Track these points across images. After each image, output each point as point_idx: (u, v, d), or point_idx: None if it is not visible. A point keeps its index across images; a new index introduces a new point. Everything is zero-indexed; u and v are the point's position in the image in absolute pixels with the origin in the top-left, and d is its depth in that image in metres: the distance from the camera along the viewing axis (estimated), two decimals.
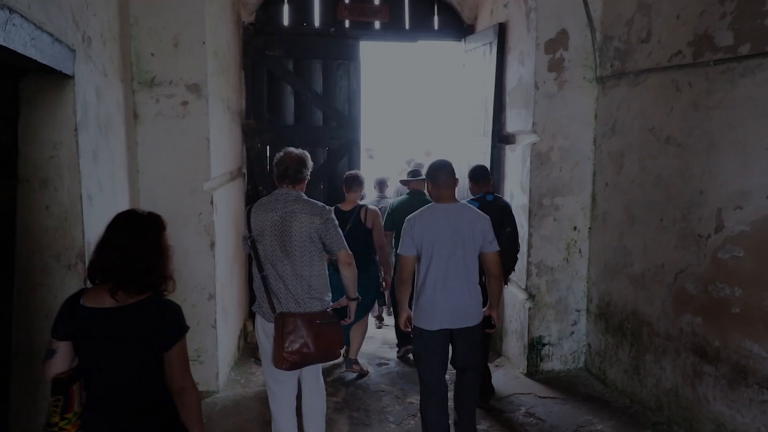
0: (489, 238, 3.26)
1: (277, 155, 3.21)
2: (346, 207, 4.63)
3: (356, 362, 4.75)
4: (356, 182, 4.66)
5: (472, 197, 4.07)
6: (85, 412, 2.00)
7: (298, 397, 3.26)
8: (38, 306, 2.56)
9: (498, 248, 3.33)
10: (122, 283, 1.92)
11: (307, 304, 3.00)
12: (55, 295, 2.58)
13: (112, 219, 2.02)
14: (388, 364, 5.03)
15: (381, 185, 6.15)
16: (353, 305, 3.19)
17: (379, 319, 6.28)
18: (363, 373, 4.71)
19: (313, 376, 3.22)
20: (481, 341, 3.46)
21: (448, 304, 3.21)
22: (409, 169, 5.63)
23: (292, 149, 3.20)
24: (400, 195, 5.65)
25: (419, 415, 3.50)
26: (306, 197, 3.13)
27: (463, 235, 3.20)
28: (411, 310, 3.38)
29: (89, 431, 2.01)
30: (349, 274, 3.09)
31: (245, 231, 3.10)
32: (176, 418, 2.01)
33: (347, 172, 4.87)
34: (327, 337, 3.01)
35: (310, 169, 3.26)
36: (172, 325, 1.98)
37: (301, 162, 3.14)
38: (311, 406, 3.24)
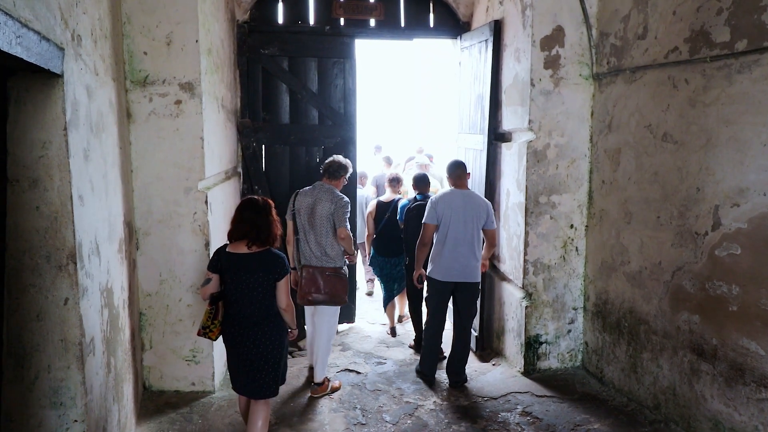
0: (491, 218, 4.41)
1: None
2: (386, 199, 5.72)
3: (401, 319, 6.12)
4: (395, 181, 5.79)
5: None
6: (224, 321, 3.22)
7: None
8: (29, 307, 2.52)
9: (495, 226, 4.49)
10: (251, 241, 3.15)
11: (323, 262, 4.27)
12: (46, 296, 2.54)
13: (240, 203, 3.28)
14: (385, 363, 5.00)
15: (361, 178, 7.04)
16: (353, 258, 4.63)
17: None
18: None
19: (324, 316, 4.38)
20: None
21: (458, 262, 4.36)
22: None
23: (340, 157, 4.46)
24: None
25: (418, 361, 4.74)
26: (335, 191, 4.30)
27: (471, 213, 4.35)
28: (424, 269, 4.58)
29: (226, 333, 3.23)
30: (345, 244, 4.29)
31: (291, 207, 4.36)
32: (282, 324, 3.28)
33: (390, 174, 5.96)
34: (334, 285, 4.25)
35: (348, 174, 4.45)
36: (283, 265, 3.21)
37: (341, 166, 4.39)
38: (318, 335, 4.41)
